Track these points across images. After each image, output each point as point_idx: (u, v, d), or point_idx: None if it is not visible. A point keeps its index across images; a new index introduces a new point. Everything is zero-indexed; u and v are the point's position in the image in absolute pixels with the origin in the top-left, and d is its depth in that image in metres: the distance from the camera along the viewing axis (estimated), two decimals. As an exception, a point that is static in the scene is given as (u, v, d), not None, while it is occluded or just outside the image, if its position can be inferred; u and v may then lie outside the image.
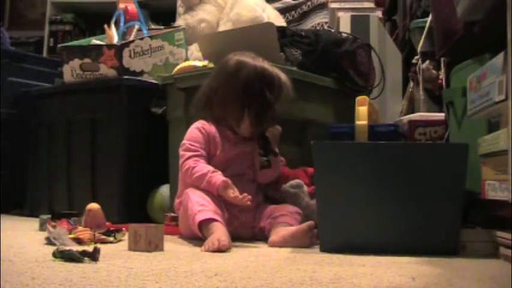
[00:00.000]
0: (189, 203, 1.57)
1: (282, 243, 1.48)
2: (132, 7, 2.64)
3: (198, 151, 1.65)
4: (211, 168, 1.61)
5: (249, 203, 1.55)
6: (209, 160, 1.67)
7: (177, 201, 1.72)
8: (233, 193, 1.55)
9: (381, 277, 1.02)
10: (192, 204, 1.55)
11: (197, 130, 1.69)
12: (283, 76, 1.70)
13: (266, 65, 1.69)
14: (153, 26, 3.39)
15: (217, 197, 1.58)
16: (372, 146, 1.45)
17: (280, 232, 1.53)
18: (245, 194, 1.55)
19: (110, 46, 2.37)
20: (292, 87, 1.71)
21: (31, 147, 2.61)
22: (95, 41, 2.58)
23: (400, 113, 2.64)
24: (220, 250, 1.37)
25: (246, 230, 1.66)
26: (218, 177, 1.58)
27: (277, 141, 1.76)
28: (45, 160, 2.53)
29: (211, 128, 1.70)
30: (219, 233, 1.44)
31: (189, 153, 1.64)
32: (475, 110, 1.37)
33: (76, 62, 2.39)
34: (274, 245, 1.50)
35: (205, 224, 1.49)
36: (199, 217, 1.50)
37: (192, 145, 1.66)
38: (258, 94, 1.65)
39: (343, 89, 2.16)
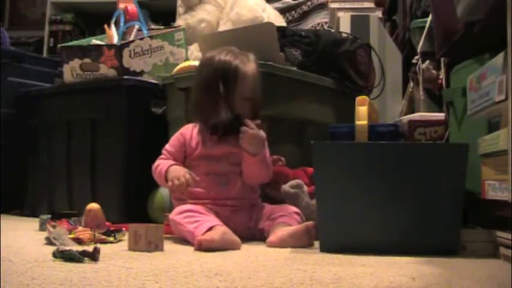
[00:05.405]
0: (180, 227, 1.56)
1: (280, 244, 1.48)
2: (132, 7, 2.63)
3: (166, 155, 1.74)
4: (170, 162, 1.69)
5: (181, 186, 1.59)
6: (189, 158, 1.72)
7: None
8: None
9: (381, 277, 1.02)
10: (184, 226, 1.53)
11: (177, 135, 1.77)
12: (249, 68, 1.67)
13: (228, 57, 1.68)
14: (153, 26, 3.39)
15: (202, 204, 1.60)
16: (372, 146, 1.45)
17: (278, 232, 1.52)
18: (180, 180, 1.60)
19: (110, 46, 2.37)
20: (259, 79, 1.69)
21: (31, 147, 2.61)
22: (95, 41, 2.58)
23: (400, 113, 2.65)
24: (202, 245, 1.39)
25: (243, 231, 1.63)
26: (166, 163, 1.68)
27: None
28: (45, 160, 2.52)
29: (192, 130, 1.74)
30: (212, 233, 1.44)
31: (160, 156, 1.74)
32: (475, 110, 1.37)
33: (76, 62, 2.39)
34: (272, 245, 1.49)
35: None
36: (198, 234, 1.47)
37: (165, 149, 1.75)
38: (214, 87, 1.66)
39: (343, 89, 2.16)
